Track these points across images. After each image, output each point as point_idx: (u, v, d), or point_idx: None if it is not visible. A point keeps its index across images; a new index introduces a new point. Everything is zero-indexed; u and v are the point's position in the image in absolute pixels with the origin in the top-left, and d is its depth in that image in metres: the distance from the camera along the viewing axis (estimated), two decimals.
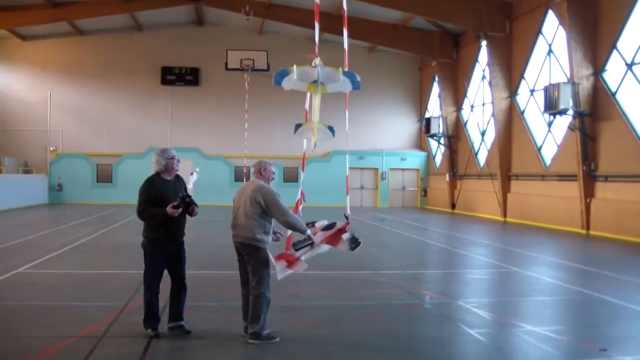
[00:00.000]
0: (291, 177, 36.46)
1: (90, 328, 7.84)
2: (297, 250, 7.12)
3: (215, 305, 9.41)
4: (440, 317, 9.07)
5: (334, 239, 7.26)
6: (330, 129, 7.49)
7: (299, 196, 7.81)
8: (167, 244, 7.52)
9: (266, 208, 7.12)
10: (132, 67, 37.10)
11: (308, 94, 7.48)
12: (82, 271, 12.64)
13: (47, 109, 36.30)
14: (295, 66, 7.16)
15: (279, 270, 7.37)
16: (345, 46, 7.44)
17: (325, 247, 7.34)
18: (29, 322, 8.33)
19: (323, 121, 7.62)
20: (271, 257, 7.30)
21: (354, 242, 7.37)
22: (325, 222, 7.36)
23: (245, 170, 32.94)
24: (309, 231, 7.09)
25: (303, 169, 8.49)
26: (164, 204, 7.24)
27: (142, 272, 7.70)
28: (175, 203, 7.20)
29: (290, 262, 7.25)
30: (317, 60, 7.15)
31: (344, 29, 7.40)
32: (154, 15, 34.93)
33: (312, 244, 7.07)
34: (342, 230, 7.32)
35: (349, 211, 7.76)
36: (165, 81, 37.34)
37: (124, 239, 18.76)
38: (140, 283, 10.76)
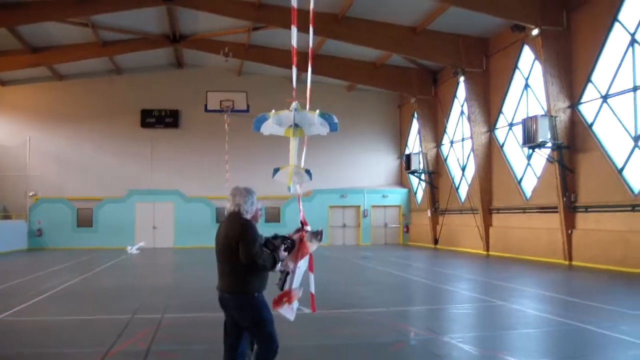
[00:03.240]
0: (273, 217, 36.48)
1: None
2: (282, 288, 7.02)
3: (199, 348, 9.30)
4: (427, 354, 9.02)
5: (303, 251, 7.13)
6: (308, 172, 7.45)
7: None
8: None
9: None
10: (111, 111, 37.12)
11: (290, 140, 7.42)
12: (64, 317, 12.46)
13: (27, 154, 36.13)
14: (273, 111, 7.16)
15: (287, 314, 7.16)
16: (309, 84, 7.44)
17: (303, 264, 7.21)
18: None
19: (305, 164, 7.59)
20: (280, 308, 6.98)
21: (318, 235, 7.22)
22: (285, 252, 7.15)
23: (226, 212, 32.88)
24: (279, 265, 6.94)
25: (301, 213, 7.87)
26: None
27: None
28: (287, 245, 6.52)
29: (289, 298, 7.08)
30: (294, 104, 7.15)
31: (309, 66, 7.43)
32: (133, 59, 35.13)
33: (288, 274, 6.96)
34: (303, 242, 7.16)
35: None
36: (144, 124, 37.36)
37: (106, 283, 18.59)
38: (124, 326, 10.74)
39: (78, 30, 29.88)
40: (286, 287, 6.92)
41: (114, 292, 16.33)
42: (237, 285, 6.12)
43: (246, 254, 6.01)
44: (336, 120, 7.17)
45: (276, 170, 7.40)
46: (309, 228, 7.05)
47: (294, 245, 6.52)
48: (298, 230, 7.13)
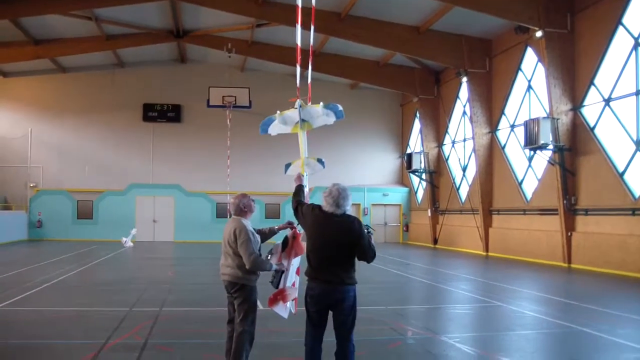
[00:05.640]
0: (273, 213, 36.47)
1: None
2: (277, 287, 7.06)
3: (196, 343, 9.30)
4: (424, 353, 9.02)
5: (297, 249, 7.17)
6: (320, 161, 7.52)
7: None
8: None
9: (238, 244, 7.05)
10: (113, 104, 37.09)
11: (299, 135, 7.49)
12: (62, 308, 12.49)
13: (28, 146, 36.13)
14: (278, 112, 7.22)
15: (281, 312, 7.24)
16: (309, 80, 7.55)
17: (296, 261, 7.26)
18: None
19: (312, 155, 7.61)
20: (263, 303, 7.03)
21: None
22: (278, 244, 7.22)
23: (228, 207, 32.92)
24: (274, 266, 7.01)
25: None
26: None
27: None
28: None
29: (283, 297, 7.15)
30: (298, 102, 7.22)
31: (309, 64, 7.53)
32: (136, 53, 35.15)
33: (283, 272, 7.02)
34: (297, 235, 7.21)
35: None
36: (147, 118, 37.34)
37: (104, 276, 18.61)
38: (122, 319, 10.76)
39: (81, 24, 29.87)
40: (280, 285, 6.98)
41: (112, 285, 16.35)
42: (350, 278, 6.45)
43: (368, 250, 6.48)
44: (341, 108, 7.36)
45: (288, 166, 7.44)
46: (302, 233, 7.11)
47: None
48: (290, 224, 7.22)
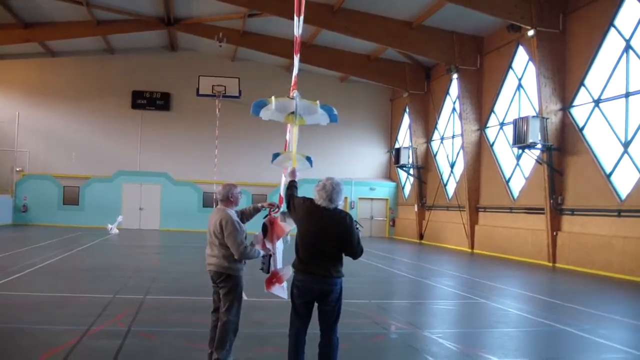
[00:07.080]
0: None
1: (51, 351, 7.68)
2: (268, 271, 7.10)
3: (180, 331, 9.28)
4: (406, 348, 9.04)
5: (278, 232, 7.19)
6: (308, 159, 7.50)
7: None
8: None
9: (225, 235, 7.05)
10: (102, 90, 36.89)
11: (288, 125, 7.45)
12: (45, 293, 12.41)
13: (15, 129, 35.82)
14: (273, 97, 7.18)
15: (280, 293, 7.26)
16: (295, 71, 7.50)
17: (280, 244, 7.27)
18: None
19: (301, 151, 7.58)
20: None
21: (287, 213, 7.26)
22: (259, 233, 7.22)
23: (215, 197, 32.84)
24: (260, 252, 7.03)
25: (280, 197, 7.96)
26: None
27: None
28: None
29: (278, 278, 7.17)
30: (295, 93, 7.20)
31: (295, 56, 7.50)
32: (126, 39, 34.94)
33: (270, 256, 7.05)
34: (274, 220, 7.22)
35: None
36: (135, 105, 37.16)
37: (88, 263, 18.52)
38: (105, 306, 10.72)
39: (72, 8, 29.62)
40: (271, 269, 7.01)
41: (96, 272, 16.29)
42: (338, 271, 6.43)
43: (356, 245, 6.47)
44: (335, 112, 7.35)
45: (276, 155, 7.40)
46: (281, 209, 7.13)
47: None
48: (272, 205, 7.22)
